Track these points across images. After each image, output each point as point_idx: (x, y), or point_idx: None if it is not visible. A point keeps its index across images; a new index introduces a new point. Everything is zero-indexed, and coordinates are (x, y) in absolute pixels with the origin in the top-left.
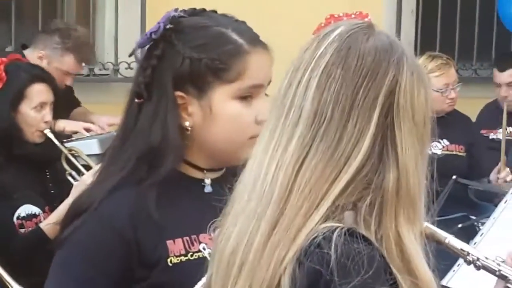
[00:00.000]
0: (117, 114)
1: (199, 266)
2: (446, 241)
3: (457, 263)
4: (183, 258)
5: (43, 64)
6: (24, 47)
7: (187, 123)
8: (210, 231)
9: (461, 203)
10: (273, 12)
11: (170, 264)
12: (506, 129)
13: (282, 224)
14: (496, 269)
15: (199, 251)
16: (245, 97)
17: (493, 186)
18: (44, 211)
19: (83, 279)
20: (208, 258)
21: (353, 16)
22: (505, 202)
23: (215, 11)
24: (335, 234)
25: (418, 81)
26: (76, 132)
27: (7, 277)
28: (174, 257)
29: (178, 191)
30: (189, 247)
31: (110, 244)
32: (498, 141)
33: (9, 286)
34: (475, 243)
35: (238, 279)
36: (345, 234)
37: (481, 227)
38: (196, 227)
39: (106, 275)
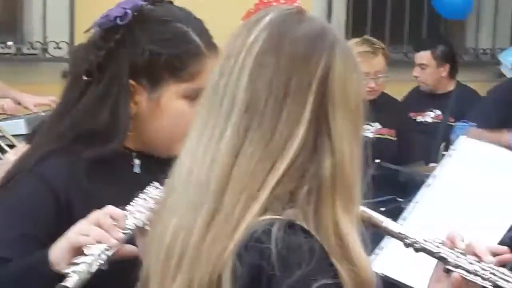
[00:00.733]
0: (46, 94)
1: None
2: (383, 224)
3: (379, 246)
4: None
5: None
6: None
7: (131, 111)
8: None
9: (391, 187)
10: None
11: None
12: (432, 111)
13: (221, 217)
14: (435, 251)
15: None
16: (194, 98)
17: (417, 170)
18: None
19: (19, 234)
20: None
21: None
22: (427, 186)
23: (171, 2)
24: (275, 227)
25: (350, 66)
26: None
27: None
28: None
29: (108, 167)
30: None
31: (45, 201)
32: (426, 124)
33: None
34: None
35: (177, 273)
36: (284, 227)
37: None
38: (121, 203)
39: (41, 231)
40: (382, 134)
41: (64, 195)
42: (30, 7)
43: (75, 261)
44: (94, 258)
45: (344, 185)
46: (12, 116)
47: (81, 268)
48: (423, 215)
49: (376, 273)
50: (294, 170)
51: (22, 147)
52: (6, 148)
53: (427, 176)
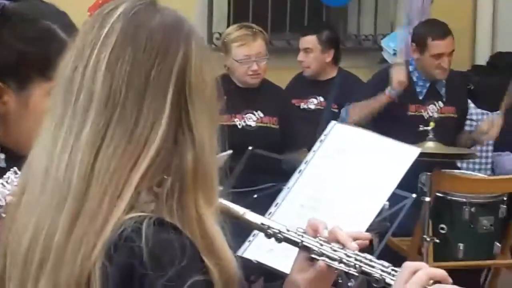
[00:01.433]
0: None
1: None
2: (244, 216)
3: (253, 233)
4: None
5: None
6: None
7: None
8: None
9: (274, 174)
10: None
11: None
12: (316, 98)
13: (85, 216)
14: (299, 241)
15: None
16: None
17: (293, 157)
18: None
19: None
20: None
21: None
22: (299, 172)
23: None
24: (144, 225)
25: (206, 57)
26: None
27: None
28: None
29: None
30: None
31: None
32: (309, 111)
33: None
34: (270, 213)
35: (39, 278)
36: (154, 224)
37: None
38: None
39: None
40: (265, 123)
41: None
42: None
43: None
44: None
45: (205, 177)
46: None
47: None
48: (295, 201)
49: (250, 259)
50: (158, 165)
51: None
52: None
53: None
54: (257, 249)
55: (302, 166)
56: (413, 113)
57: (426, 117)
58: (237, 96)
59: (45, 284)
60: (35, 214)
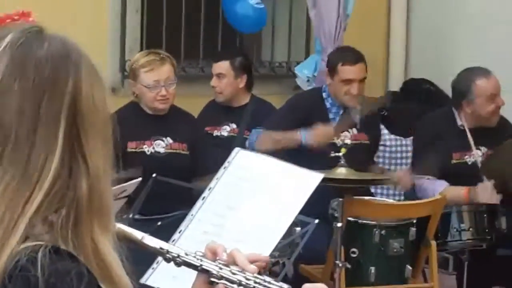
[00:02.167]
0: None
1: None
2: (142, 240)
3: (156, 260)
4: None
5: None
6: None
7: None
8: None
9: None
10: None
11: None
12: (229, 125)
13: None
14: (198, 264)
15: None
16: None
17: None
18: None
19: None
20: None
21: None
22: (203, 199)
23: None
24: (40, 254)
25: (97, 83)
26: None
27: None
28: None
29: None
30: None
31: None
32: (222, 138)
33: None
34: (173, 240)
35: None
36: (50, 253)
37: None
38: None
39: None
40: (174, 149)
41: None
42: None
43: None
44: None
45: (100, 204)
46: None
47: None
48: (199, 228)
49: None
50: (52, 197)
51: None
52: None
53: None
54: (161, 276)
55: (205, 193)
56: None
57: (338, 144)
58: (145, 122)
59: None
60: None
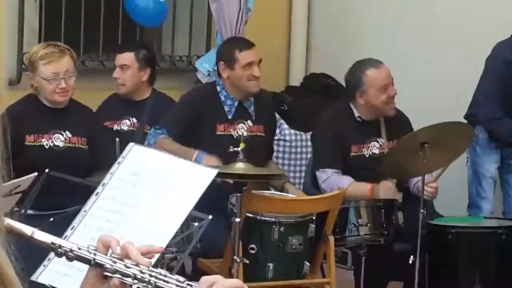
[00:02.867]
0: None
1: None
2: (33, 235)
3: (48, 257)
4: None
5: None
6: None
7: None
8: None
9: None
10: None
11: None
12: (129, 119)
13: None
14: (91, 258)
15: None
16: None
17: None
18: None
19: None
20: None
21: None
22: (96, 194)
23: None
24: None
25: None
26: None
27: None
28: None
29: None
30: None
31: None
32: (122, 132)
33: None
34: (66, 237)
35: None
36: None
37: None
38: None
39: None
40: (73, 143)
41: None
42: None
43: None
44: None
45: None
46: None
47: None
48: (92, 224)
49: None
50: None
51: None
52: None
53: (92, 186)
54: (53, 274)
55: (99, 189)
56: (221, 133)
57: (235, 136)
58: (44, 116)
59: None
60: None
